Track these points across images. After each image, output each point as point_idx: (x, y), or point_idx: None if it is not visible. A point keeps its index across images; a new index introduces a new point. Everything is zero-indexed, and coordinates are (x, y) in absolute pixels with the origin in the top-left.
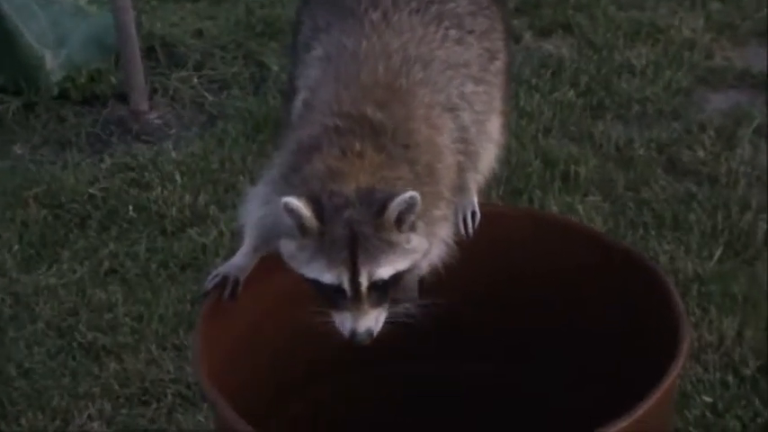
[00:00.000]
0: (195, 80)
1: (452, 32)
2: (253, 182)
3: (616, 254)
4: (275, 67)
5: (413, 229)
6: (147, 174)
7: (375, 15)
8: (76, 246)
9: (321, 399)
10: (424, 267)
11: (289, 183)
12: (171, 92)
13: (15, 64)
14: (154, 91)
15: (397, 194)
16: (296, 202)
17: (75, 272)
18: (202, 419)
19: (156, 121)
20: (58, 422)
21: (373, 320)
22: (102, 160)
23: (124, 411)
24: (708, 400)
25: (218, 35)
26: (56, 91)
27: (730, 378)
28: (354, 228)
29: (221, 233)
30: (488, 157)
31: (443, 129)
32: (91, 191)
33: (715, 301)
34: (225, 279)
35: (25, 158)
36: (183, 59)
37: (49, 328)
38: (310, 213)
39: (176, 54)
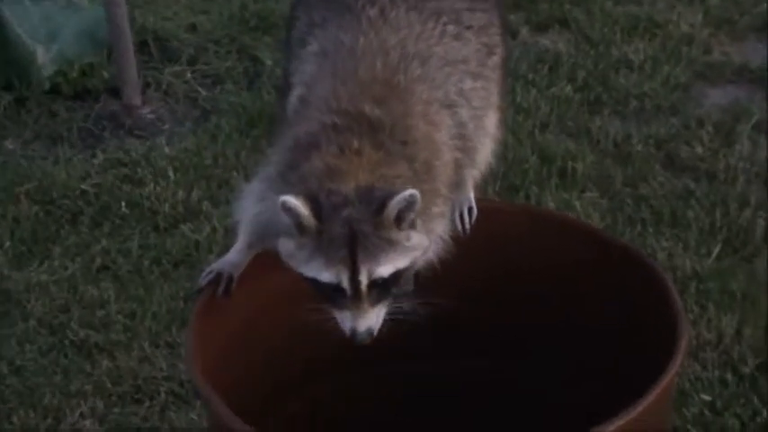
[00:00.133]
0: (188, 75)
1: (450, 28)
2: (247, 178)
3: (614, 250)
4: (269, 62)
5: (412, 226)
6: (139, 169)
7: (372, 11)
8: (68, 242)
9: (319, 397)
10: (421, 263)
11: (286, 181)
12: (164, 86)
13: (6, 58)
14: (147, 85)
15: (397, 192)
16: (294, 201)
17: (66, 268)
18: (195, 417)
19: (149, 116)
20: (49, 420)
21: (373, 319)
22: (94, 155)
23: (116, 409)
24: (706, 398)
25: (212, 29)
26: (47, 85)
27: (729, 376)
28: (354, 226)
29: (214, 229)
30: (485, 152)
31: (441, 125)
32: (83, 186)
33: (713, 299)
34: (219, 276)
35: (16, 154)
36: (176, 54)
37: (41, 325)
38: (308, 212)
39: (169, 48)
